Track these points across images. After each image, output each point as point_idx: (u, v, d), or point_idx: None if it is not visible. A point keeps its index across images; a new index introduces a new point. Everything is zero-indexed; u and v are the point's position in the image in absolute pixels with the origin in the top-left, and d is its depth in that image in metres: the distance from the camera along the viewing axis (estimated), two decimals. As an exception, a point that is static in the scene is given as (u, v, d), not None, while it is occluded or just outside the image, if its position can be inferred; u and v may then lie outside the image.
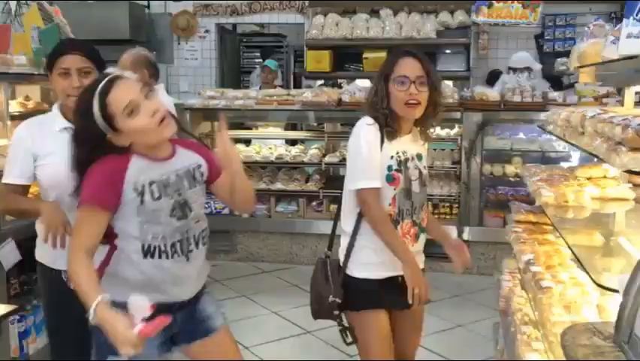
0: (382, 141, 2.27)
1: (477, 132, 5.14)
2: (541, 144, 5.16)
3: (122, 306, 1.64)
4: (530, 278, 2.39)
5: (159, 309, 1.73)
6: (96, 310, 1.61)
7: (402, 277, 2.26)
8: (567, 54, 3.83)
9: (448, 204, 5.37)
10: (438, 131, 5.71)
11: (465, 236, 5.16)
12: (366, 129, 2.28)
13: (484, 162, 5.23)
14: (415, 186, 2.34)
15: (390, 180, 2.28)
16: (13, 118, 3.52)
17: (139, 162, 1.85)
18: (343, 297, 2.36)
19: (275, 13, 7.40)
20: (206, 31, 7.56)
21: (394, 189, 2.29)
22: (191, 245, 1.95)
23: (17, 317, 3.15)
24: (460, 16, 6.35)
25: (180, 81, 7.60)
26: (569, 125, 2.59)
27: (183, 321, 2.01)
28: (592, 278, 1.67)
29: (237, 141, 6.04)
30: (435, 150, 5.70)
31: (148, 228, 1.85)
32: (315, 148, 5.81)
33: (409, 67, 2.25)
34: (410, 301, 2.22)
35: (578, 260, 1.87)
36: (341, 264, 2.39)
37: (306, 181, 5.64)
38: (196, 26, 7.52)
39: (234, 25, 8.35)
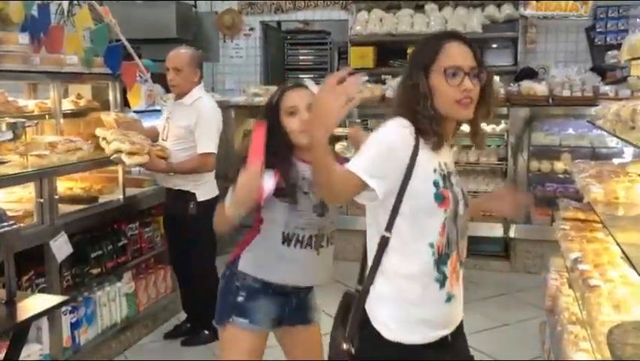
0: (417, 151, 1.68)
1: (524, 128, 5.04)
2: (591, 140, 5.02)
3: (251, 279, 2.10)
4: (578, 276, 2.33)
5: (281, 291, 2.13)
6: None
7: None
8: (619, 47, 3.70)
9: (494, 202, 5.28)
10: (483, 126, 5.61)
11: (511, 234, 5.07)
12: (397, 130, 1.70)
13: (532, 158, 5.12)
14: (461, 208, 1.79)
15: (440, 200, 1.71)
16: (65, 116, 3.64)
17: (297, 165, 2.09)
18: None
19: (319, 9, 7.43)
20: (251, 29, 7.65)
21: (445, 211, 1.72)
22: (324, 241, 2.15)
23: (69, 308, 3.27)
24: (507, 10, 6.24)
25: (226, 79, 7.71)
26: (619, 119, 2.51)
27: (295, 305, 2.22)
28: (642, 277, 1.62)
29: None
30: (480, 146, 5.60)
31: (293, 219, 2.08)
32: (359, 144, 5.79)
33: (460, 55, 1.69)
34: None
35: (628, 258, 1.81)
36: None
37: (350, 178, 5.63)
38: (241, 24, 7.61)
39: (279, 23, 8.41)
